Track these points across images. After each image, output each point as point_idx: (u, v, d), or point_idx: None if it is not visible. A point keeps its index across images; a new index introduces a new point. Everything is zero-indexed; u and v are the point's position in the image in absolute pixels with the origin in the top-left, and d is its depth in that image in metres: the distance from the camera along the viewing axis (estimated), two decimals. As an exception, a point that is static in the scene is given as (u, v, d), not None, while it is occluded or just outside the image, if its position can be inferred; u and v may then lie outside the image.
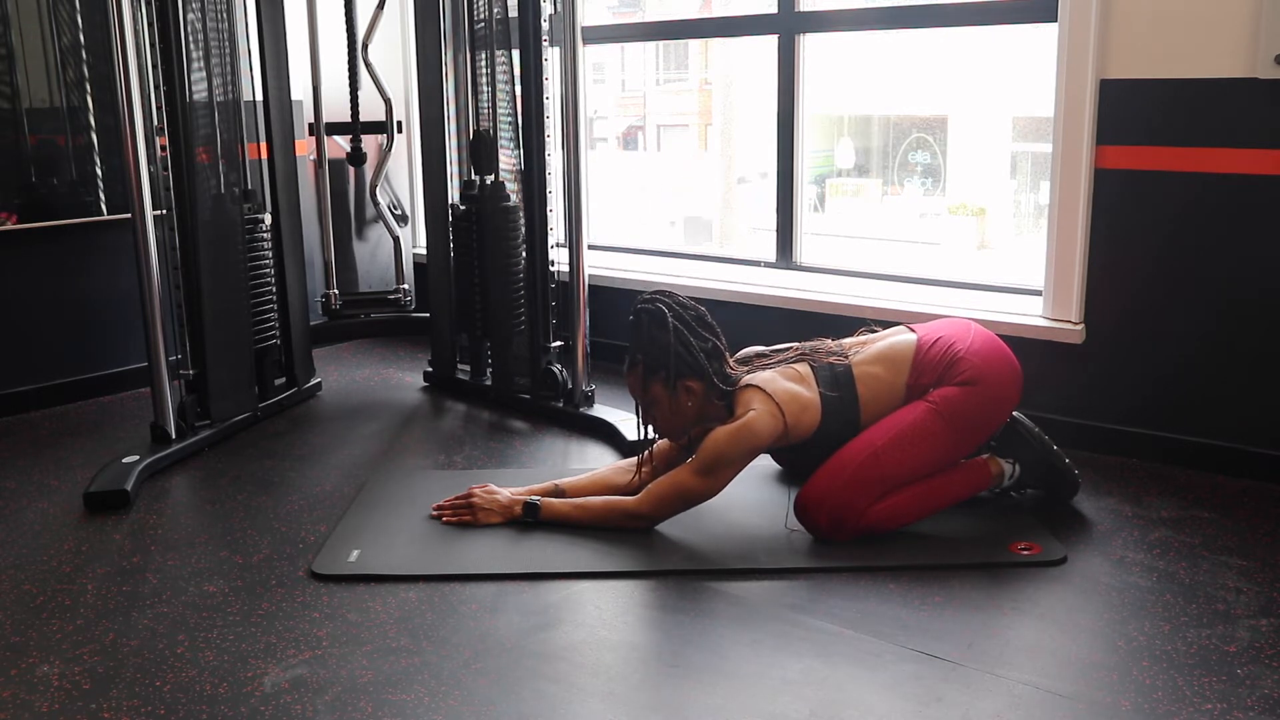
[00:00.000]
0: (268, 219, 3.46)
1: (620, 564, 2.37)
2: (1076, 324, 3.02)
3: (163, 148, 3.09)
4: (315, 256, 4.12)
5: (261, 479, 2.95)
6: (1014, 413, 2.63)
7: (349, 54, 4.05)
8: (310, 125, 4.09)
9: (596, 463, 2.99)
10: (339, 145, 4.25)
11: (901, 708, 1.84)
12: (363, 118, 4.14)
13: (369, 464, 3.06)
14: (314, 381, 3.74)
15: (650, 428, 2.57)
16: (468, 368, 3.77)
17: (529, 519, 2.54)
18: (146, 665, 2.01)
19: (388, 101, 4.10)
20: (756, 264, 3.87)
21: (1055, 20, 2.94)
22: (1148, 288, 2.91)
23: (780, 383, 2.52)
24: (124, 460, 2.94)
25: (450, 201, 3.68)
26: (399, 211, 4.42)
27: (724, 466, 2.46)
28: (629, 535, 2.50)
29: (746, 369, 2.59)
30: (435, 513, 2.62)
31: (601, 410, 3.34)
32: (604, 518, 2.52)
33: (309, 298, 3.82)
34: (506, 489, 2.63)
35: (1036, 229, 3.99)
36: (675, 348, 2.48)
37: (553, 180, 3.41)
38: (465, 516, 2.57)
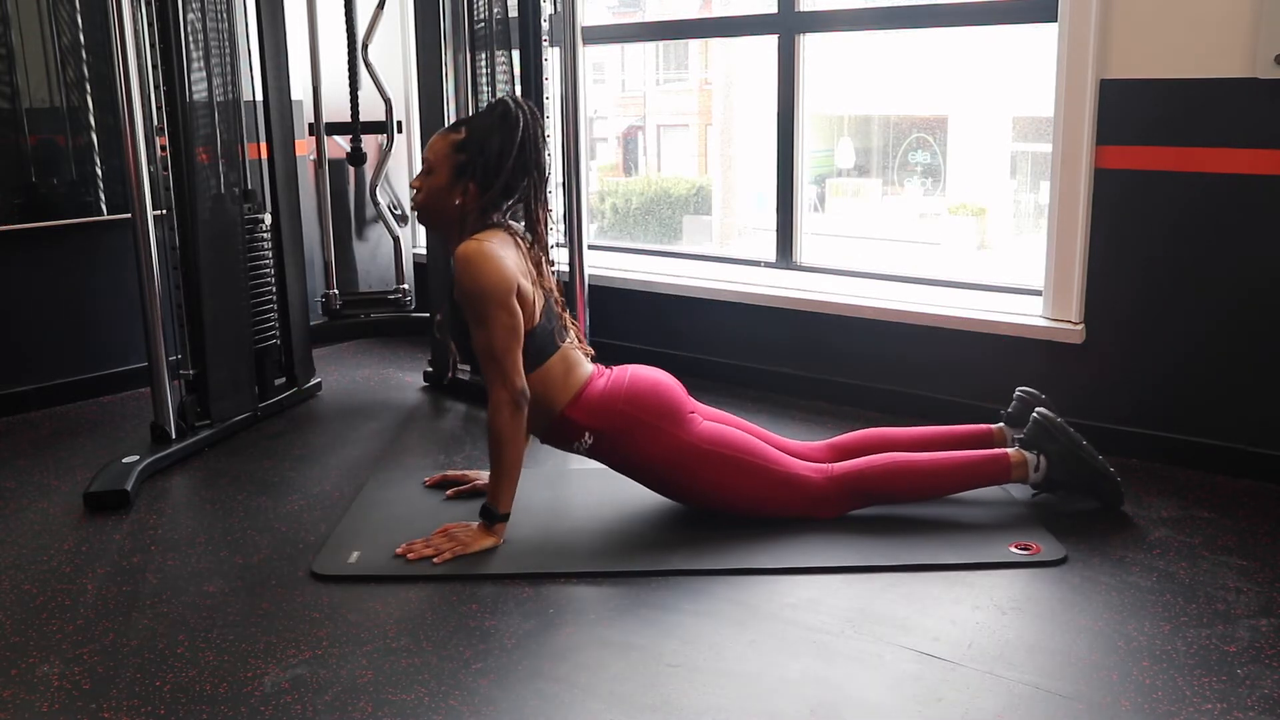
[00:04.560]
0: (268, 219, 3.46)
1: (620, 564, 2.37)
2: (1076, 324, 3.02)
3: (163, 148, 3.09)
4: (315, 256, 4.12)
5: (261, 479, 2.95)
6: (1040, 408, 2.64)
7: (349, 54, 4.06)
8: (310, 125, 4.09)
9: (595, 462, 2.98)
10: (339, 145, 4.25)
11: (901, 708, 1.84)
12: (363, 118, 4.14)
13: (369, 464, 3.06)
14: (314, 381, 3.74)
15: (416, 192, 2.49)
16: (468, 368, 3.77)
17: (499, 520, 2.44)
18: (146, 665, 2.01)
19: (388, 101, 4.10)
20: (756, 264, 3.87)
21: (1055, 20, 2.94)
22: (1148, 288, 2.91)
23: (517, 260, 2.44)
24: (124, 460, 2.94)
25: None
26: (399, 211, 4.42)
27: (484, 302, 2.34)
28: (628, 535, 2.50)
29: (510, 232, 2.49)
30: (414, 557, 2.39)
31: (601, 410, 3.33)
32: (495, 446, 2.39)
33: (309, 298, 3.82)
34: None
35: (1036, 229, 3.98)
36: (502, 153, 2.40)
37: (552, 180, 3.41)
38: (456, 549, 2.41)
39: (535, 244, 2.54)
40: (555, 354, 2.50)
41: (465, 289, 2.36)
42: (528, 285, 2.43)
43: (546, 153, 2.50)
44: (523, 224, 2.55)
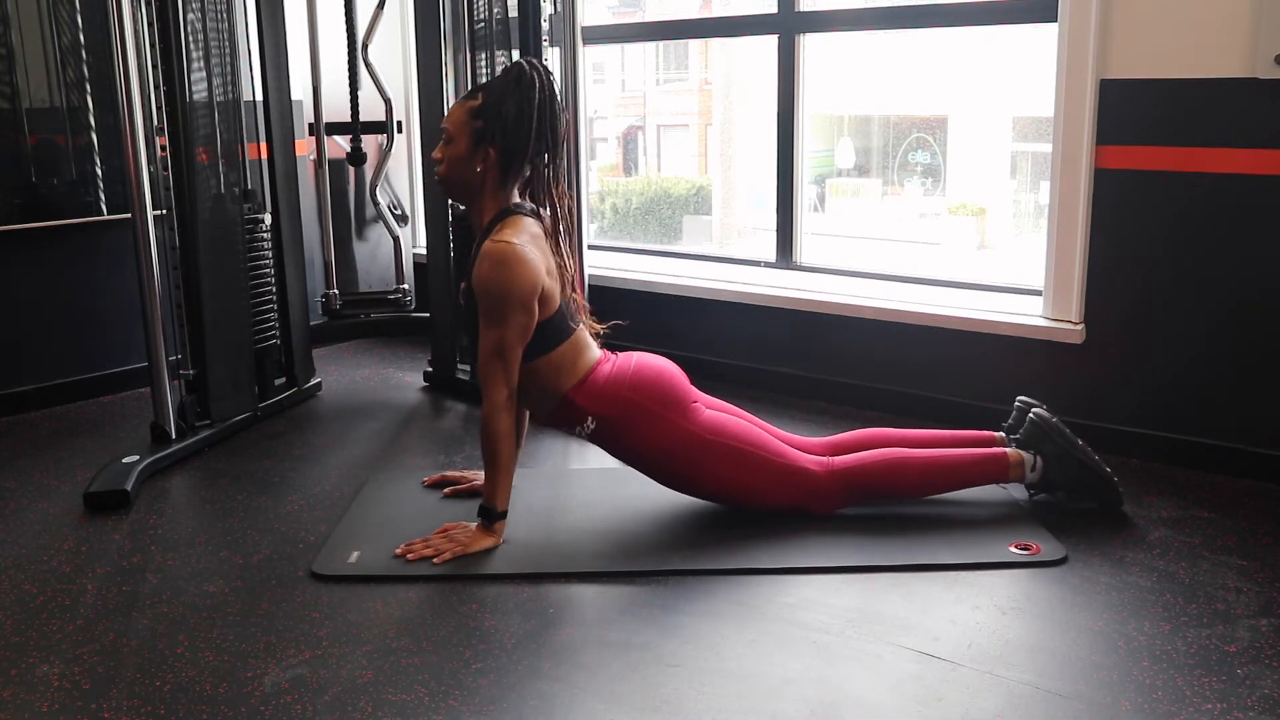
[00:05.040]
0: (268, 219, 3.46)
1: (620, 564, 2.37)
2: (1076, 324, 3.02)
3: (163, 148, 3.09)
4: (315, 256, 4.12)
5: (261, 479, 2.95)
6: (1036, 409, 2.63)
7: (349, 54, 4.06)
8: (310, 125, 4.09)
9: (595, 461, 2.99)
10: (339, 145, 4.25)
11: (901, 708, 1.84)
12: (363, 118, 4.14)
13: (369, 464, 3.06)
14: (314, 381, 3.74)
15: (437, 163, 2.47)
16: (467, 368, 3.77)
17: (498, 519, 2.45)
18: (146, 665, 2.01)
19: (388, 101, 4.10)
20: (756, 264, 3.87)
21: (1055, 20, 2.94)
22: (1148, 288, 2.91)
23: (542, 255, 2.41)
24: (124, 460, 2.94)
25: (450, 201, 3.67)
26: (399, 211, 4.42)
27: (506, 303, 2.33)
28: (628, 535, 2.50)
29: (531, 214, 2.47)
30: (414, 558, 2.39)
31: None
32: (490, 444, 2.41)
33: (309, 298, 3.82)
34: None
35: (1036, 229, 3.98)
36: (520, 115, 2.37)
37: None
38: (455, 549, 2.41)
39: (554, 220, 2.51)
40: (569, 338, 2.49)
41: (489, 287, 2.35)
42: (551, 283, 2.43)
43: (564, 119, 2.48)
44: (535, 200, 2.51)
